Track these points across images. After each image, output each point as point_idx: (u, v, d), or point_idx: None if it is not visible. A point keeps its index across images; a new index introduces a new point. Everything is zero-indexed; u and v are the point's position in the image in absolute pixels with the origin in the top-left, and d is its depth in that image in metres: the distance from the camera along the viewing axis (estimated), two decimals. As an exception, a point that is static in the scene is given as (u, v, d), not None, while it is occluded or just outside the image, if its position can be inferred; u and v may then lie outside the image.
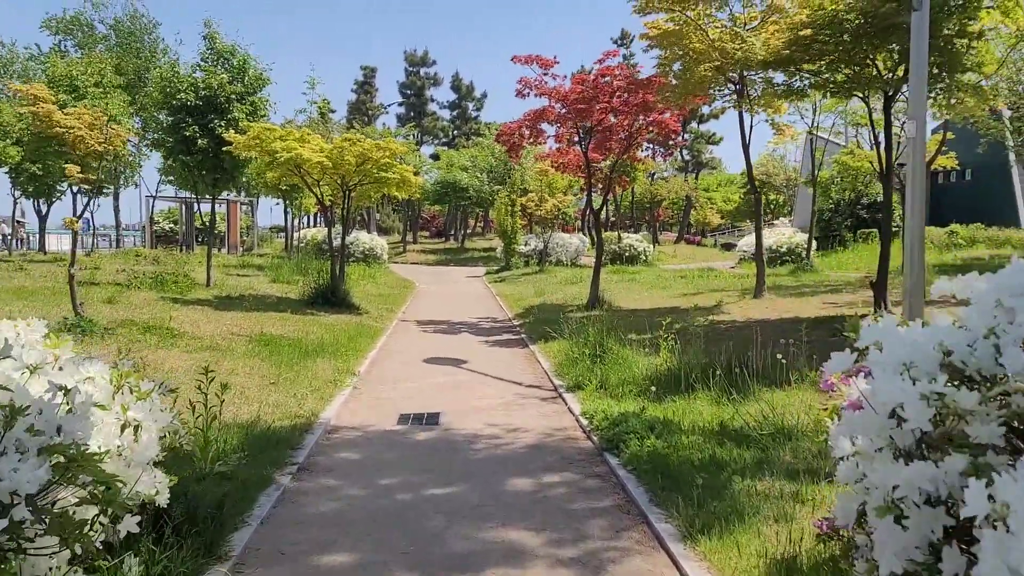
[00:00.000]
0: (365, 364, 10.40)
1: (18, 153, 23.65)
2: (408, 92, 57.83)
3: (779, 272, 22.63)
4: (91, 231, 40.03)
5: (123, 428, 3.39)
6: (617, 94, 14.81)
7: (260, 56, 17.16)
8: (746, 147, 14.62)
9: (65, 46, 31.00)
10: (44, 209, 37.93)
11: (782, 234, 30.23)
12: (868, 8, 9.72)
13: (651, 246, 32.18)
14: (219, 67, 16.79)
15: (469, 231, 53.86)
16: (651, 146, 16.47)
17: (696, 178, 55.65)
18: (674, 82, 14.35)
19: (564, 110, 14.93)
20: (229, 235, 41.83)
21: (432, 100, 59.31)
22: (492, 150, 40.94)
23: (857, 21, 9.94)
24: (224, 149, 15.00)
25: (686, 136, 16.45)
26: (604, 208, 16.22)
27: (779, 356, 8.38)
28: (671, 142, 15.70)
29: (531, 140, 15.88)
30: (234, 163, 16.23)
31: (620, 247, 30.06)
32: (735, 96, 14.26)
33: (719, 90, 14.55)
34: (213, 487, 4.87)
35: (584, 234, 45.05)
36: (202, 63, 16.88)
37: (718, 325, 12.40)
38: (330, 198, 17.07)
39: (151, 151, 21.78)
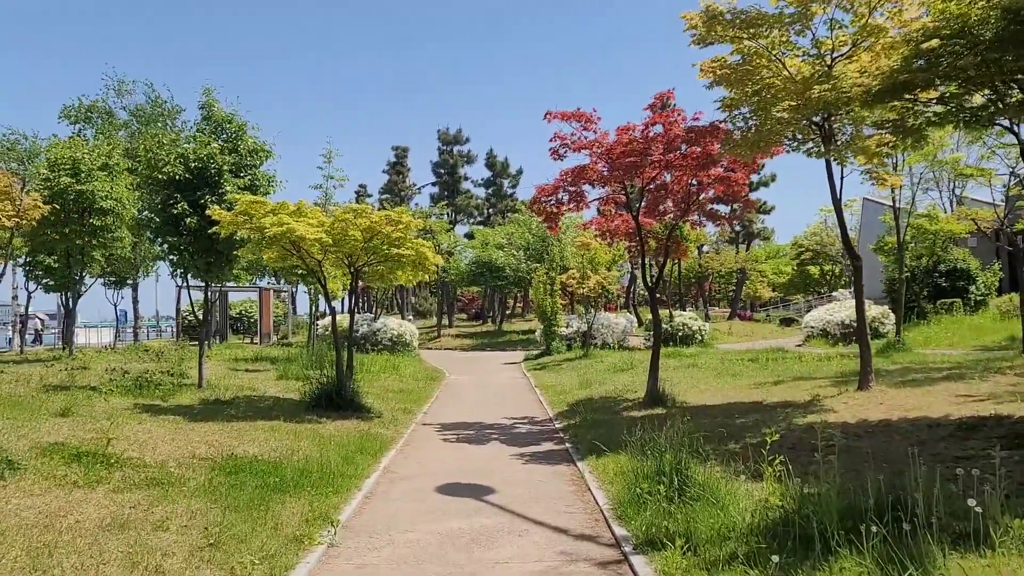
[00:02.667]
0: (355, 501, 7.69)
1: (23, 244, 22.11)
2: (441, 171, 56.57)
3: (855, 351, 19.47)
4: (126, 323, 38.59)
5: None
6: (673, 145, 12.36)
7: (260, 125, 15.07)
8: (837, 203, 11.91)
9: (85, 135, 30.06)
10: (68, 302, 36.82)
11: (853, 307, 27.07)
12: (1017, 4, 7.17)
13: (706, 324, 29.21)
14: (216, 137, 14.89)
15: (508, 312, 51.40)
16: (699, 215, 13.79)
17: (747, 249, 52.71)
18: (740, 128, 11.85)
19: (608, 168, 12.49)
20: (261, 323, 40.17)
21: (466, 178, 57.94)
22: (528, 226, 38.81)
23: (1002, 24, 7.38)
24: (212, 228, 12.84)
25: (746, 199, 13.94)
26: (660, 282, 13.47)
27: (957, 490, 5.62)
28: (735, 205, 13.01)
29: (571, 206, 13.43)
30: (228, 244, 14.05)
31: (672, 326, 27.18)
32: (820, 142, 11.67)
33: (797, 137, 11.98)
34: None
35: (629, 312, 42.26)
36: (197, 134, 14.99)
37: (825, 431, 9.47)
38: (343, 282, 14.78)
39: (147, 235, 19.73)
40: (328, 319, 27.77)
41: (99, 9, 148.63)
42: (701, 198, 13.29)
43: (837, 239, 57.21)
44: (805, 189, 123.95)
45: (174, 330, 38.99)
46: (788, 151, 12.33)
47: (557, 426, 12.64)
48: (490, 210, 57.62)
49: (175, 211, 13.94)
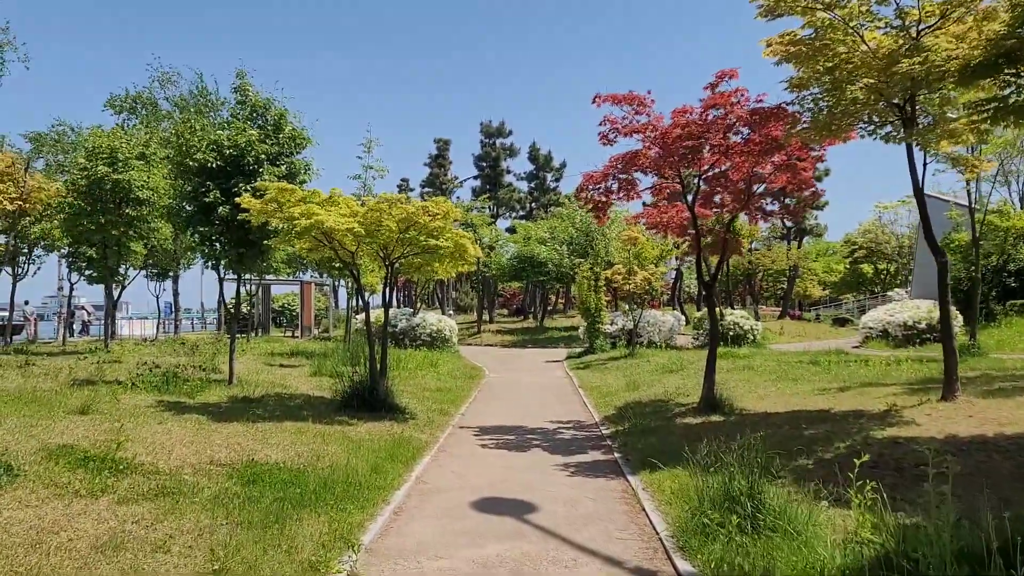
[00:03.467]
0: (382, 518, 6.91)
1: (61, 235, 21.91)
2: (483, 164, 55.76)
3: (924, 355, 18.14)
4: (171, 315, 38.64)
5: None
6: (734, 129, 11.34)
7: (301, 112, 14.43)
8: (919, 193, 10.72)
9: (129, 125, 29.96)
10: (116, 294, 36.92)
11: (917, 308, 25.57)
12: None
13: (758, 323, 27.93)
14: (252, 124, 14.29)
15: (549, 308, 50.45)
16: (759, 208, 12.72)
17: (799, 246, 50.87)
18: (810, 110, 10.77)
19: (663, 154, 11.51)
20: (303, 317, 39.97)
21: (508, 171, 57.02)
22: (572, 220, 37.79)
23: None
24: (240, 216, 12.21)
25: (814, 190, 12.79)
26: (716, 279, 12.43)
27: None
28: (795, 197, 11.91)
29: (620, 196, 12.47)
30: (262, 234, 13.42)
31: (723, 325, 25.92)
32: (899, 125, 10.54)
33: (874, 120, 10.85)
34: None
35: (674, 310, 41.00)
36: (232, 120, 14.40)
37: (909, 447, 8.41)
38: (381, 275, 14.07)
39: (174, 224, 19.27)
40: (374, 311, 27.27)
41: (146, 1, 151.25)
42: (762, 188, 12.21)
43: (893, 237, 54.99)
44: (856, 185, 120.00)
45: (217, 323, 38.94)
46: (862, 136, 11.20)
47: (604, 432, 11.73)
48: (532, 204, 56.69)
49: (207, 200, 13.36)
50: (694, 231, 12.12)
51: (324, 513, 6.72)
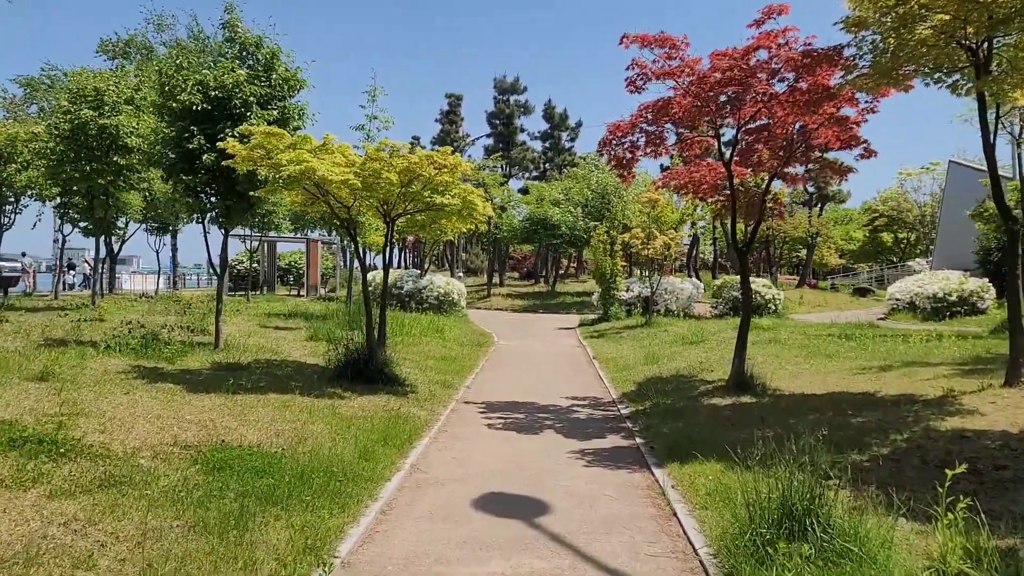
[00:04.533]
0: (367, 520, 5.82)
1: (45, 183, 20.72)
2: (496, 122, 53.99)
3: (964, 330, 16.88)
4: (174, 270, 37.70)
5: None
6: (779, 76, 10.00)
7: (294, 51, 13.14)
8: (990, 149, 9.38)
9: (123, 69, 28.60)
10: (116, 247, 35.91)
11: (947, 279, 24.21)
12: None
13: (780, 292, 26.66)
14: (242, 63, 13.03)
15: (561, 273, 49.21)
16: (803, 166, 11.48)
17: (820, 213, 49.23)
18: (870, 52, 9.42)
19: (699, 102, 10.18)
20: (308, 276, 39.11)
21: (522, 130, 55.25)
22: (588, 181, 36.33)
23: None
24: (224, 163, 11.01)
25: (867, 146, 11.45)
26: (752, 246, 11.18)
27: None
28: (856, 153, 10.66)
29: (647, 151, 11.17)
30: (250, 185, 12.22)
31: (743, 294, 24.71)
32: (971, 72, 9.17)
33: (943, 67, 9.47)
34: None
35: (689, 276, 39.72)
36: (219, 59, 13.12)
37: (980, 443, 7.25)
38: (384, 231, 12.93)
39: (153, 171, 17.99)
40: (376, 273, 26.11)
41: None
42: (808, 145, 10.88)
43: (915, 205, 53.18)
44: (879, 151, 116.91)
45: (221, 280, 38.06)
46: (927, 84, 9.83)
47: (623, 412, 10.61)
48: (546, 164, 55.04)
49: (190, 146, 12.16)
50: (730, 191, 10.84)
51: (298, 513, 5.64)
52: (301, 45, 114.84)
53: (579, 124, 56.57)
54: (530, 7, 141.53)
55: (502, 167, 49.13)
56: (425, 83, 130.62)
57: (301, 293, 38.57)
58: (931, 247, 46.00)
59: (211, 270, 32.28)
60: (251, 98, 12.50)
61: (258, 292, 35.49)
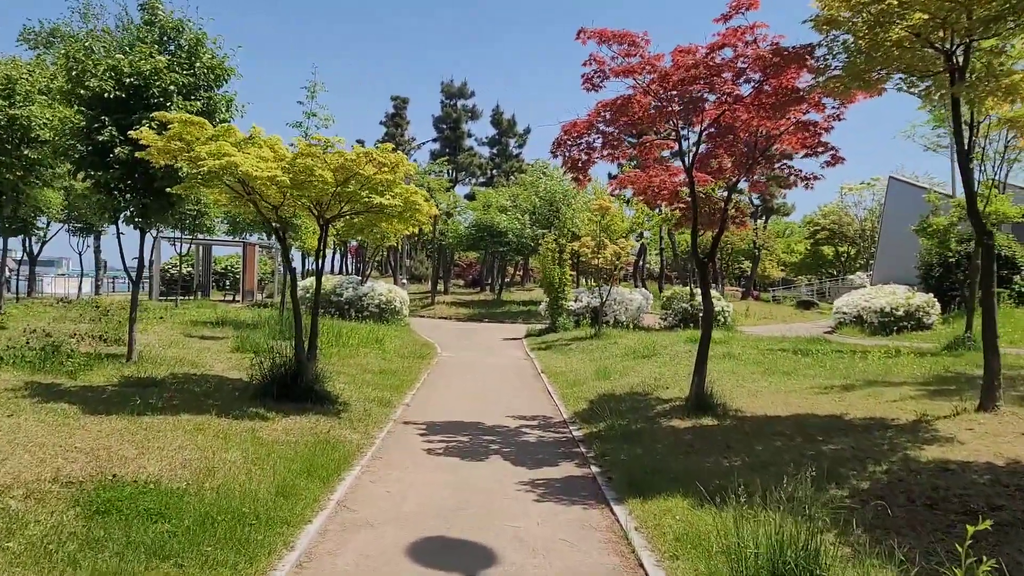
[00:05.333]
0: (278, 575, 4.87)
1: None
2: (443, 126, 52.92)
3: (919, 346, 16.63)
4: (106, 273, 35.60)
5: None
6: (744, 76, 9.37)
7: (221, 37, 12.02)
8: (965, 161, 8.87)
9: (40, 58, 26.74)
10: (36, 248, 33.75)
11: (894, 294, 24.23)
12: None
13: (729, 304, 26.37)
14: (162, 49, 11.87)
15: (507, 281, 48.41)
16: (765, 174, 10.90)
17: (765, 225, 49.62)
18: (841, 53, 8.87)
19: (662, 101, 9.48)
20: (245, 281, 37.64)
21: (469, 135, 54.29)
22: (536, 188, 35.63)
23: None
24: (138, 155, 9.86)
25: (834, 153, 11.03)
26: (713, 256, 10.49)
27: None
28: (822, 160, 10.10)
29: (604, 153, 10.44)
30: (169, 181, 11.04)
31: (693, 306, 24.31)
32: (945, 78, 8.69)
33: (914, 72, 8.96)
34: None
35: (636, 287, 39.32)
36: (135, 43, 11.92)
37: (967, 477, 6.65)
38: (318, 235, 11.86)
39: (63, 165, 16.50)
40: (311, 280, 24.84)
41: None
42: (772, 151, 10.30)
43: (855, 219, 54.16)
44: (812, 164, 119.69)
45: (150, 285, 36.16)
46: (899, 89, 9.33)
47: (576, 434, 9.80)
48: (494, 171, 54.21)
49: (101, 137, 10.94)
50: (691, 198, 10.16)
51: (194, 570, 4.65)
52: (239, 41, 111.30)
53: (527, 130, 56.04)
54: (474, 2, 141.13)
55: (448, 172, 48.12)
56: (371, 86, 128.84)
57: (237, 299, 36.95)
58: (871, 261, 46.75)
59: (149, 273, 30.60)
60: (172, 87, 11.34)
61: (191, 298, 33.79)
